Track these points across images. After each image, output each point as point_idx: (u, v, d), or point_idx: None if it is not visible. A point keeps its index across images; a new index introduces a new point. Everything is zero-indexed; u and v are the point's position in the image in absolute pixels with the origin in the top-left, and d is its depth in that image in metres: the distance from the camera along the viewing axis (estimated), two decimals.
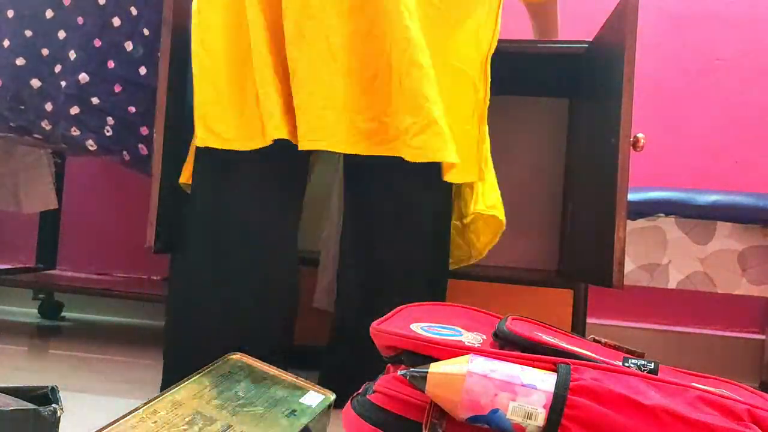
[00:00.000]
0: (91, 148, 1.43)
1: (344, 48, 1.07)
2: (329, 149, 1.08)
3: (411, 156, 1.04)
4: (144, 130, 1.43)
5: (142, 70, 1.43)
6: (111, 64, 1.43)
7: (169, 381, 1.01)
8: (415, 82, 1.03)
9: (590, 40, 1.39)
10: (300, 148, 1.08)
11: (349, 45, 1.07)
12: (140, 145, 1.43)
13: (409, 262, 1.15)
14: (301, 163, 1.19)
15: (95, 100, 1.42)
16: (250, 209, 1.13)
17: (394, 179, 1.14)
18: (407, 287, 1.15)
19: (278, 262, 1.16)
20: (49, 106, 1.44)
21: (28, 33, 1.45)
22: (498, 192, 1.24)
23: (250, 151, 1.08)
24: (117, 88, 1.43)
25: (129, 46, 1.43)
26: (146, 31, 1.42)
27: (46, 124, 1.44)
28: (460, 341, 0.72)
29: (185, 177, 1.19)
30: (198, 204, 1.15)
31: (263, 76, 1.07)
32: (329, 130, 1.07)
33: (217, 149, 1.10)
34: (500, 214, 1.21)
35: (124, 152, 1.44)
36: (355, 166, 1.21)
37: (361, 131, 1.08)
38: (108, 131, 1.42)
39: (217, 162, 1.12)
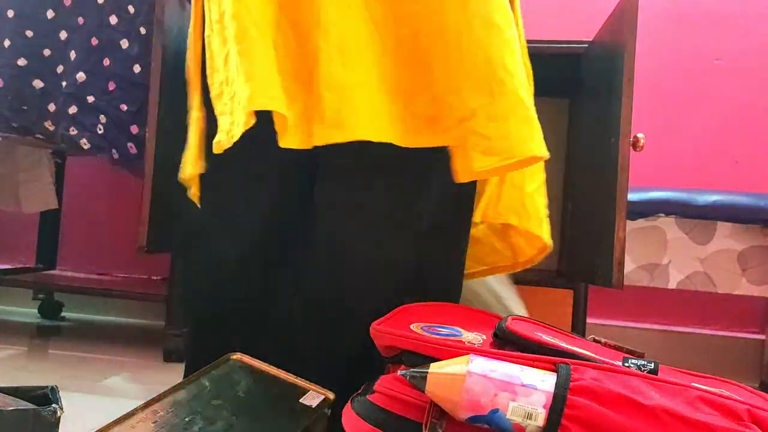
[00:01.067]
0: (84, 147, 1.43)
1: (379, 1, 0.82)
2: (372, 138, 0.82)
3: (482, 149, 0.77)
4: (134, 129, 1.43)
5: (136, 68, 1.43)
6: (107, 61, 1.43)
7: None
8: (485, 45, 0.77)
9: (590, 40, 1.38)
10: (318, 144, 0.82)
11: None
12: (129, 144, 1.43)
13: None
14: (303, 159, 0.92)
15: (90, 99, 1.42)
16: (240, 212, 0.97)
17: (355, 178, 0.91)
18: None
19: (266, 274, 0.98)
20: (51, 107, 1.44)
21: (29, 33, 1.46)
22: (538, 199, 1.01)
23: (242, 146, 0.86)
24: (111, 86, 1.43)
25: (125, 43, 1.43)
26: (143, 30, 1.42)
27: (49, 125, 1.44)
28: (460, 341, 0.72)
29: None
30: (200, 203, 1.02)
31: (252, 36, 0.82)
32: (363, 114, 0.81)
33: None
34: (535, 227, 0.98)
35: (113, 150, 1.43)
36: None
37: (413, 116, 0.82)
38: (100, 129, 1.43)
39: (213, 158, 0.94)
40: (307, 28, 0.83)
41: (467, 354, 0.66)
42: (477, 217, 0.98)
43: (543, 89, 1.72)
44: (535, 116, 0.80)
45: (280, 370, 0.89)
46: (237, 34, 0.84)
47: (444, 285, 1.00)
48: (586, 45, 1.39)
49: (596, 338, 0.83)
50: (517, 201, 0.99)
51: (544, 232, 1.01)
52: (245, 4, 0.84)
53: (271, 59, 0.83)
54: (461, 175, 0.83)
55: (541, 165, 0.99)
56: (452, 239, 1.00)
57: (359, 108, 0.81)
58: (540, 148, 0.80)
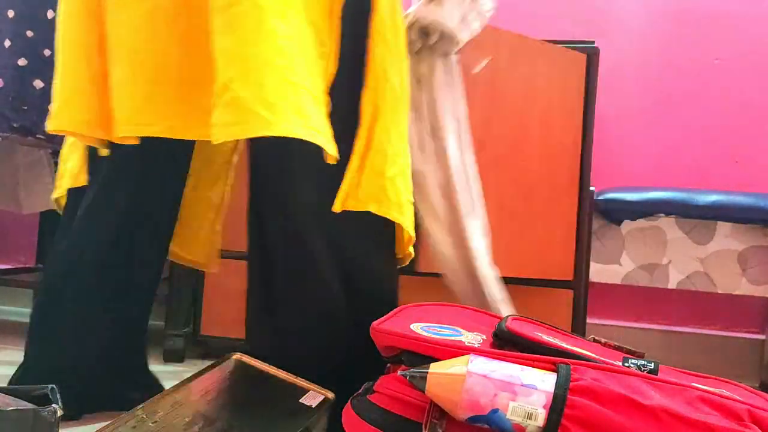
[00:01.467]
0: None
1: (175, 5, 0.85)
2: (169, 136, 0.87)
3: (212, 135, 0.79)
4: None
5: None
6: None
7: None
8: (215, 26, 0.80)
9: (592, 40, 1.39)
10: (121, 135, 0.88)
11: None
12: None
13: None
14: (169, 156, 1.03)
15: None
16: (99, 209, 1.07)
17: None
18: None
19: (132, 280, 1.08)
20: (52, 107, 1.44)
21: (30, 33, 1.46)
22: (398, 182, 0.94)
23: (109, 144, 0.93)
24: None
25: None
26: None
27: None
28: (460, 341, 0.72)
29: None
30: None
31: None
32: (164, 111, 0.86)
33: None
34: (396, 213, 0.93)
35: None
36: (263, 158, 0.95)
37: (206, 110, 0.81)
38: None
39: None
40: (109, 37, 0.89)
41: (467, 354, 0.66)
42: (337, 206, 0.90)
43: None
44: (241, 95, 0.77)
45: (280, 370, 0.89)
46: (57, 49, 0.92)
47: (376, 291, 0.97)
48: (593, 45, 1.39)
49: (596, 338, 0.83)
50: (377, 187, 0.92)
51: (405, 218, 0.94)
52: (61, 19, 0.91)
53: (79, 76, 0.90)
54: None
55: (402, 149, 0.95)
56: (380, 243, 0.98)
57: (126, 104, 0.86)
58: (249, 130, 0.78)
